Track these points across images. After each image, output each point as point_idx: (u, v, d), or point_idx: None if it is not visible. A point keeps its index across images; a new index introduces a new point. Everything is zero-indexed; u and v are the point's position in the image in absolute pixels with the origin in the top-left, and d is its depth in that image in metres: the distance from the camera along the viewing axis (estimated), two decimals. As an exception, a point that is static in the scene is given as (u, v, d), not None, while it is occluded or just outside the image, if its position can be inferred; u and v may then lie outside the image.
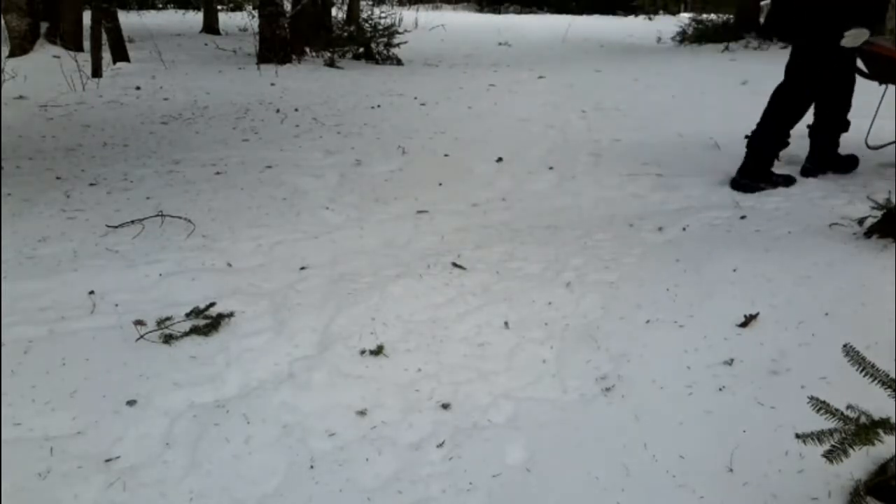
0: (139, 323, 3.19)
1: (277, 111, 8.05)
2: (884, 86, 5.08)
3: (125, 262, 3.91)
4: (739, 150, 5.91)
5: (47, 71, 9.60)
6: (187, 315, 3.26)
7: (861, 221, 3.89)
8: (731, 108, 7.63)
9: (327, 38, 12.87)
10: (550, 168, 5.75)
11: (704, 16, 16.43)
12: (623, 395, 2.67)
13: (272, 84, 9.87)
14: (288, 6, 13.01)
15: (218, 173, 5.65)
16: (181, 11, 22.53)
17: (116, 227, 4.43)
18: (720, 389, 2.64)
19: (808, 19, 4.55)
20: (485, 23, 22.51)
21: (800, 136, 5.11)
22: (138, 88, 9.29)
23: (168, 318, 3.21)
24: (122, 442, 2.45)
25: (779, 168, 5.01)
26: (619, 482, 2.22)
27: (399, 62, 12.60)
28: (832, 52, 4.56)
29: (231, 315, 3.25)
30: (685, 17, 18.65)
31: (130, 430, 2.51)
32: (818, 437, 1.92)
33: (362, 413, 2.61)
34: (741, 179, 4.98)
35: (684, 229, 4.25)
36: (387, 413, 2.59)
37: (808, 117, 5.06)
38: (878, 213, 3.81)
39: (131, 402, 2.65)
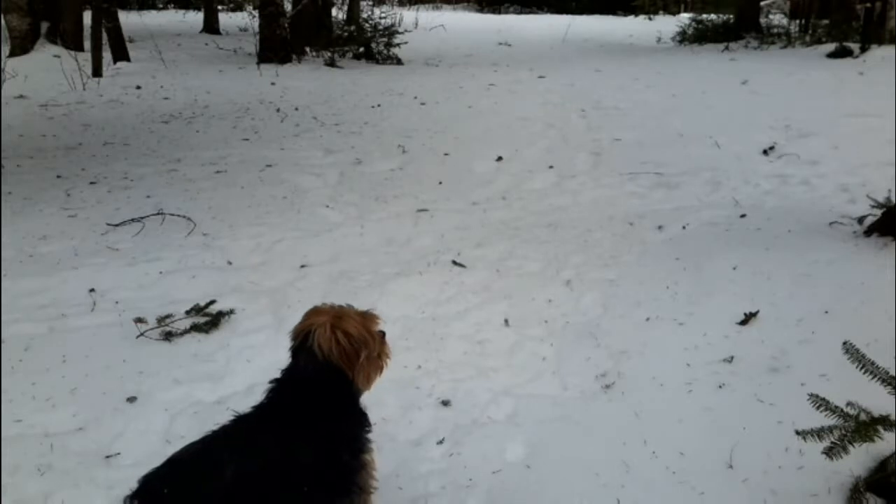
0: (139, 320, 3.19)
1: (278, 110, 8.06)
2: None
3: (125, 260, 3.92)
4: (739, 150, 5.93)
5: (48, 70, 9.61)
6: (187, 312, 3.26)
7: (861, 220, 3.89)
8: (731, 108, 7.64)
9: (327, 38, 12.88)
10: (550, 167, 5.75)
11: (704, 16, 16.43)
12: (623, 393, 2.67)
13: (272, 83, 9.88)
14: (288, 6, 13.02)
15: (218, 172, 5.66)
16: (181, 11, 22.54)
17: (117, 225, 4.44)
18: (720, 387, 2.64)
19: None
20: (485, 23, 22.52)
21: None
22: (139, 88, 9.29)
23: (168, 316, 3.21)
24: (123, 438, 2.45)
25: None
26: (618, 478, 2.23)
27: (399, 62, 12.61)
28: None
29: (231, 312, 3.25)
30: (685, 17, 18.67)
31: (131, 427, 2.51)
32: (818, 433, 1.92)
33: (362, 410, 2.61)
34: None
35: (684, 228, 4.26)
36: (387, 410, 2.59)
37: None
38: (878, 212, 3.82)
39: (132, 399, 2.65)
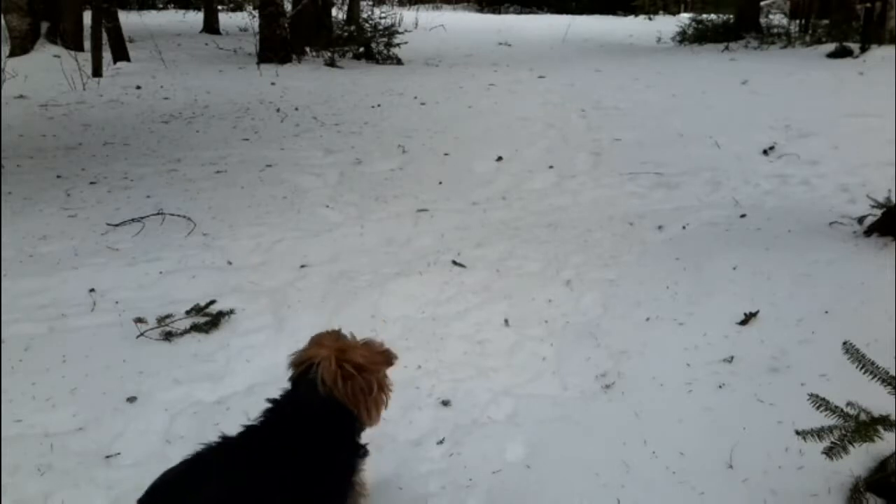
0: (139, 320, 3.19)
1: (278, 110, 8.06)
2: None
3: (125, 260, 3.92)
4: (739, 150, 5.93)
5: (48, 70, 9.61)
6: (188, 313, 3.26)
7: (861, 220, 3.89)
8: (731, 108, 7.64)
9: (327, 38, 12.88)
10: (550, 167, 5.75)
11: (704, 16, 16.43)
12: (623, 393, 2.67)
13: (272, 83, 9.88)
14: (288, 6, 13.02)
15: (218, 172, 5.66)
16: (181, 11, 22.55)
17: (117, 225, 4.44)
18: (720, 387, 2.64)
19: None
20: (485, 23, 22.53)
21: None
22: (139, 88, 9.29)
23: (168, 316, 3.21)
24: (123, 438, 2.45)
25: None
26: (618, 478, 2.23)
27: (399, 62, 12.61)
28: None
29: (231, 313, 3.25)
30: (685, 17, 18.67)
31: (131, 427, 2.51)
32: (818, 433, 1.92)
33: (362, 410, 2.61)
34: None
35: (684, 228, 4.26)
36: (387, 410, 2.59)
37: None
38: (878, 212, 3.82)
39: (132, 399, 2.65)
